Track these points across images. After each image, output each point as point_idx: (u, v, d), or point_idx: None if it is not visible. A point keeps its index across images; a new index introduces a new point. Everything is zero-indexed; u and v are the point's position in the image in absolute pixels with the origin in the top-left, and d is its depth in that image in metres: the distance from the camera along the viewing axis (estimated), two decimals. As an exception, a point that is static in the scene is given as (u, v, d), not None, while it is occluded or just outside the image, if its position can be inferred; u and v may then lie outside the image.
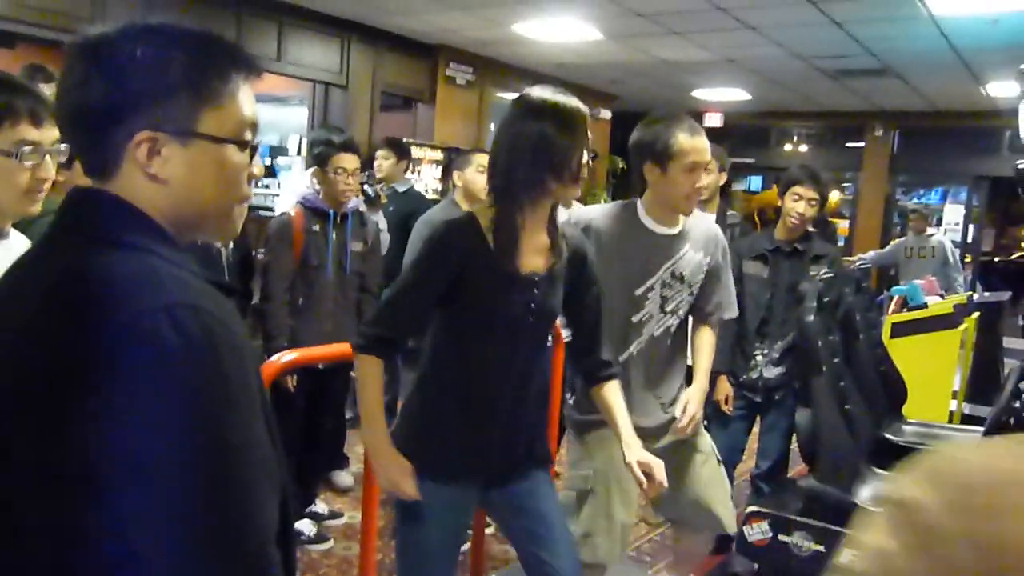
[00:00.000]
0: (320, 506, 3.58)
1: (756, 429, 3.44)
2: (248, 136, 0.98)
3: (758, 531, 2.89)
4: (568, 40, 6.81)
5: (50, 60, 6.24)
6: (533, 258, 1.80)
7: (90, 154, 0.93)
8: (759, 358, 3.21)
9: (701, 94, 9.23)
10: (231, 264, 3.22)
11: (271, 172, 7.99)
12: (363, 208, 3.51)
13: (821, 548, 2.73)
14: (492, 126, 8.53)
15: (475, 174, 3.50)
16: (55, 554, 0.81)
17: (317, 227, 3.23)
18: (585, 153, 1.74)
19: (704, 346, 2.47)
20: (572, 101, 1.75)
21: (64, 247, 0.90)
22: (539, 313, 1.82)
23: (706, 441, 2.50)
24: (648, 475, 1.87)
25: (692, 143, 2.21)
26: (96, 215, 0.91)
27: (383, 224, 3.99)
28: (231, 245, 3.22)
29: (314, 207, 3.24)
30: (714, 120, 10.52)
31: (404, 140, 6.84)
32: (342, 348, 2.17)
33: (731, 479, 3.37)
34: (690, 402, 2.33)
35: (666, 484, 1.88)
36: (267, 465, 0.89)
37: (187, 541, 0.80)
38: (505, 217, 1.74)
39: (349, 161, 3.17)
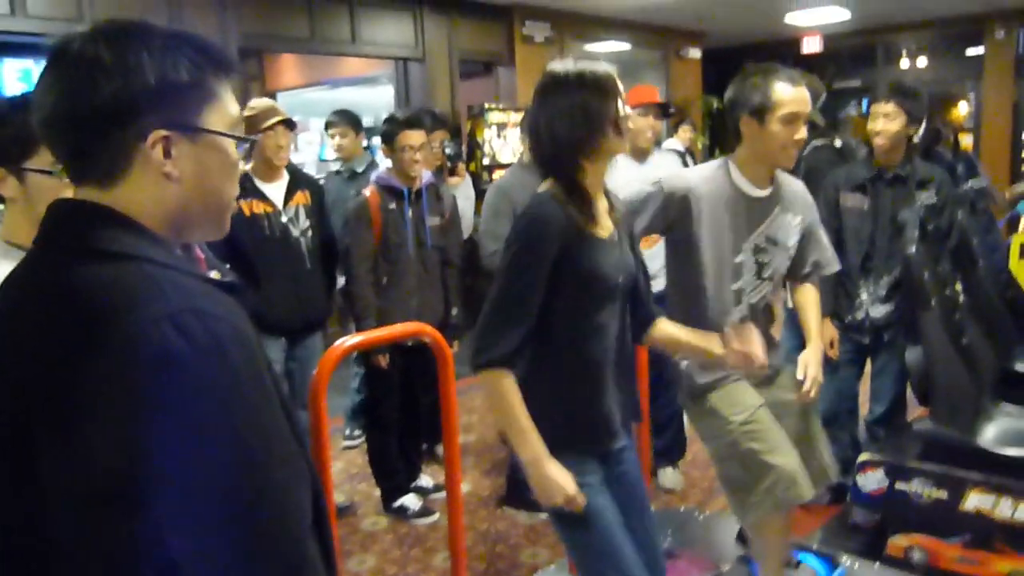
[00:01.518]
0: (425, 479, 3.63)
1: (868, 372, 3.23)
2: (240, 131, 0.98)
3: (874, 480, 2.74)
4: (642, -19, 6.53)
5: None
6: (604, 220, 1.81)
7: (93, 159, 0.90)
8: (864, 297, 3.00)
9: (795, 18, 8.69)
10: (311, 250, 3.29)
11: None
12: (436, 181, 3.48)
13: (943, 495, 2.55)
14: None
15: None
16: (102, 573, 0.82)
17: (394, 205, 3.23)
18: (621, 107, 1.75)
19: (809, 304, 2.40)
20: (597, 66, 1.76)
21: (53, 264, 0.89)
22: (625, 272, 1.83)
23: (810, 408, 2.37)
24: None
25: (792, 93, 2.13)
26: (82, 226, 0.89)
27: (470, 193, 3.95)
28: (309, 233, 3.28)
29: (388, 185, 3.25)
30: (813, 45, 9.92)
31: (484, 105, 6.80)
32: (408, 327, 2.13)
33: (845, 427, 3.20)
34: (810, 364, 2.24)
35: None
36: (292, 460, 0.89)
37: (226, 545, 0.80)
38: (573, 184, 1.76)
39: (415, 137, 3.15)
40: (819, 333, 2.35)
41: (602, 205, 1.82)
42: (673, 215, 2.21)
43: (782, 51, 10.07)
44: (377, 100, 8.98)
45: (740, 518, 2.33)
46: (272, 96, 9.95)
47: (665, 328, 1.99)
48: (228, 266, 3.28)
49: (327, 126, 4.37)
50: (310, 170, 8.65)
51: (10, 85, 7.69)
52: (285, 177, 3.29)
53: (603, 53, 9.06)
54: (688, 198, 2.19)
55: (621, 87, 1.76)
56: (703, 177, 2.27)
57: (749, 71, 2.21)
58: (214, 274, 3.13)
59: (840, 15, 8.54)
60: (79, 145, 0.90)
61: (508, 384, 1.70)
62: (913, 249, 2.59)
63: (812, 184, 3.23)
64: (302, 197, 3.30)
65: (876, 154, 2.97)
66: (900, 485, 2.66)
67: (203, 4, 5.53)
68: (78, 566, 0.82)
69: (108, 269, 0.85)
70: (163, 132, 0.89)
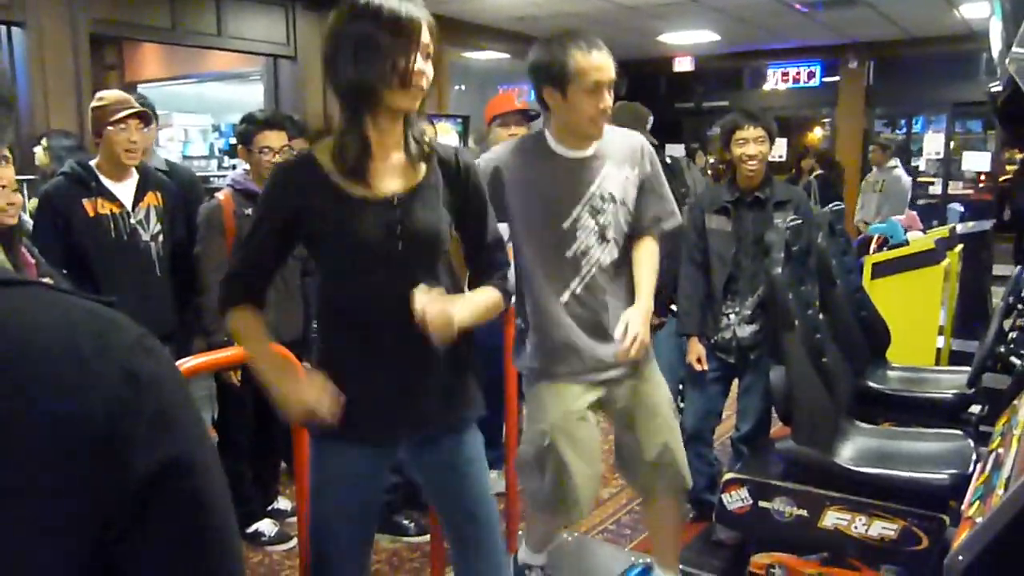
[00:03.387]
0: (283, 502, 3.42)
1: (735, 391, 3.28)
2: None
3: (737, 498, 2.75)
4: (522, -8, 6.53)
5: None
6: (390, 180, 1.65)
7: None
8: (731, 317, 3.03)
9: (669, 38, 8.96)
10: (161, 257, 3.03)
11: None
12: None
13: (804, 513, 2.58)
14: (455, 87, 8.27)
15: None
16: None
17: (249, 211, 3.01)
18: (419, 58, 1.55)
19: (644, 259, 2.24)
20: (400, 3, 1.55)
21: None
22: (407, 236, 1.64)
23: (661, 389, 2.34)
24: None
25: (590, 60, 2.02)
26: None
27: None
28: (160, 238, 3.02)
29: (244, 189, 3.03)
30: (685, 64, 10.25)
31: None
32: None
33: (709, 443, 3.23)
34: (632, 321, 2.06)
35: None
36: None
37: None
38: (345, 138, 1.61)
39: (274, 139, 2.96)
40: (649, 291, 2.18)
41: (392, 162, 1.65)
42: (491, 195, 2.09)
43: (655, 69, 10.37)
44: (247, 97, 8.60)
45: (529, 504, 2.36)
46: (132, 89, 9.37)
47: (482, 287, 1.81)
48: (63, 271, 3.00)
49: None
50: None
51: None
52: (135, 176, 3.01)
53: (482, 61, 9.04)
54: (499, 170, 2.13)
55: (428, 37, 1.56)
56: (510, 148, 2.22)
57: (545, 39, 2.11)
58: (46, 281, 2.84)
59: (710, 37, 8.86)
60: None
61: (239, 316, 1.67)
62: (778, 270, 2.62)
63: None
64: (153, 198, 3.03)
65: (743, 177, 3.02)
66: (763, 503, 2.68)
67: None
68: None
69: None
70: None
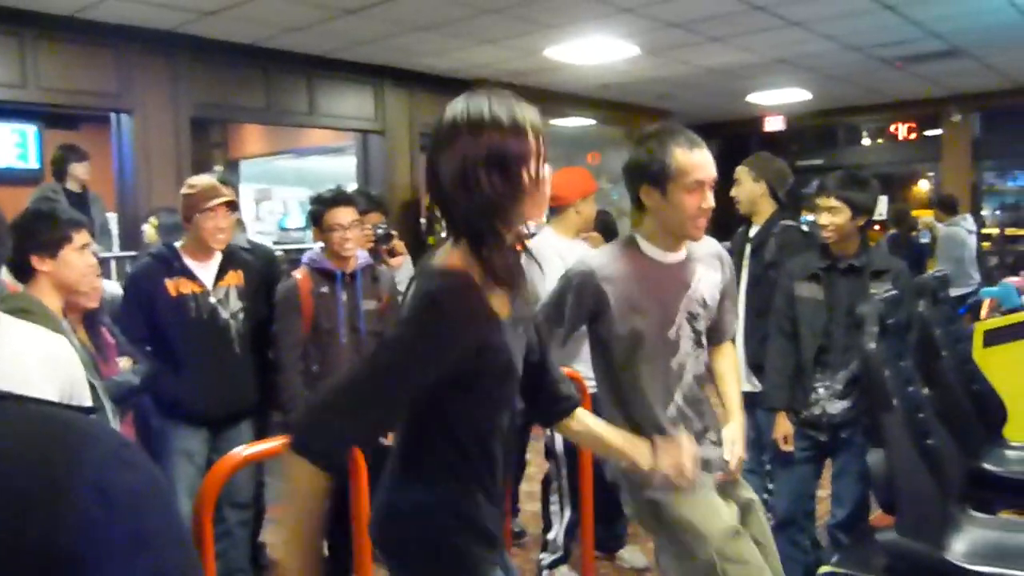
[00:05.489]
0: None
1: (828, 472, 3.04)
2: None
3: (837, 594, 2.51)
4: (605, 60, 6.55)
5: (79, 139, 6.37)
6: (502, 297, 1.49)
7: None
8: (820, 391, 2.83)
9: (758, 98, 8.80)
10: (241, 335, 3.07)
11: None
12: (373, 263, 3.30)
13: (911, 615, 2.33)
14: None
15: None
16: None
17: (326, 288, 3.04)
18: (541, 162, 1.43)
19: (730, 373, 2.26)
20: (514, 106, 1.41)
21: None
22: (523, 355, 1.55)
23: (749, 491, 2.22)
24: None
25: (691, 158, 1.95)
26: None
27: (405, 274, 3.76)
28: (241, 316, 3.07)
29: (320, 268, 3.06)
30: (775, 124, 10.05)
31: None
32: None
33: (803, 529, 2.99)
34: (736, 442, 2.12)
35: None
36: None
37: None
38: (491, 255, 1.40)
39: (343, 215, 2.98)
40: (740, 406, 2.22)
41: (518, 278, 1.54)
42: (589, 306, 2.04)
43: (745, 129, 10.20)
44: (341, 170, 8.90)
45: None
46: (235, 164, 9.87)
47: (586, 421, 1.71)
48: (148, 348, 3.08)
49: None
50: (268, 240, 8.49)
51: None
52: (218, 256, 3.09)
53: (568, 128, 9.09)
54: (599, 285, 2.02)
55: (543, 139, 1.43)
56: (609, 258, 2.10)
57: (644, 135, 2.04)
58: (125, 361, 2.92)
59: (802, 95, 8.65)
60: None
61: (312, 484, 1.31)
62: (873, 345, 2.43)
63: (779, 265, 3.13)
64: (235, 277, 3.10)
65: (835, 245, 2.85)
66: (865, 601, 2.44)
67: (155, 73, 5.42)
68: None
69: None
70: None
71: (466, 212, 1.39)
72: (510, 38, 5.89)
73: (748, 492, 2.21)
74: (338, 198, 3.03)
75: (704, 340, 2.13)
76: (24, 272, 2.26)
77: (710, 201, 1.99)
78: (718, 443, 2.16)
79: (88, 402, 1.81)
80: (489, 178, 1.36)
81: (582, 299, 2.05)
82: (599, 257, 2.15)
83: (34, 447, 0.63)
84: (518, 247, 1.49)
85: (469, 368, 1.40)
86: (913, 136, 10.22)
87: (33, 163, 7.94)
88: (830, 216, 2.79)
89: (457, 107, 1.39)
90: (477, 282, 1.40)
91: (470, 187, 1.37)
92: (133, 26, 5.14)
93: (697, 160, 1.95)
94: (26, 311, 2.14)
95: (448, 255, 1.43)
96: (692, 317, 2.07)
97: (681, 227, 2.01)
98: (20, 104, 5.22)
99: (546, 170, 1.45)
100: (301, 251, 7.45)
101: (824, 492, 3.16)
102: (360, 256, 3.11)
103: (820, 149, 10.66)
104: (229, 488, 3.06)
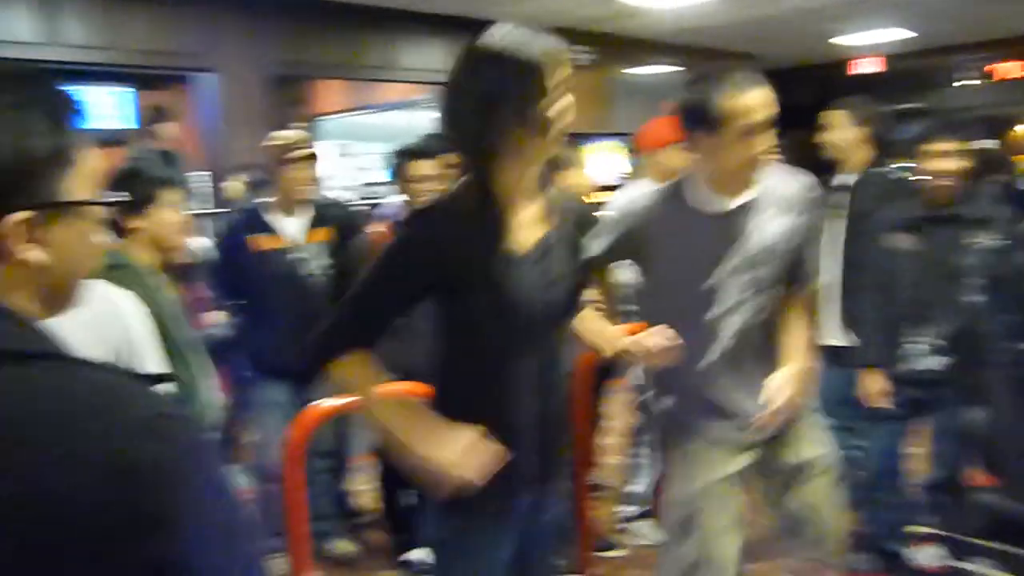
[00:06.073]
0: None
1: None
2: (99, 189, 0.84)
3: (931, 555, 2.43)
4: (683, 3, 6.32)
5: (168, 99, 6.55)
6: (526, 231, 1.51)
7: None
8: (916, 346, 2.70)
9: (847, 40, 8.38)
10: (327, 289, 3.12)
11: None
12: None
13: (1012, 580, 2.24)
14: (620, 106, 8.15)
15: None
16: None
17: (406, 243, 3.05)
18: (558, 100, 1.42)
19: (798, 321, 2.06)
20: (530, 41, 1.41)
21: None
22: (553, 291, 1.52)
23: (814, 450, 2.09)
24: None
25: (744, 101, 1.83)
26: None
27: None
28: (326, 271, 3.11)
29: (399, 221, 3.07)
30: (866, 66, 9.57)
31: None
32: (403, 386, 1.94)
33: (893, 487, 2.89)
34: (779, 388, 1.89)
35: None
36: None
37: None
38: (484, 190, 1.47)
39: (423, 167, 2.96)
40: (804, 351, 2.03)
41: (528, 212, 1.53)
42: (632, 243, 2.01)
43: (833, 73, 9.74)
44: (421, 124, 8.91)
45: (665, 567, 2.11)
46: (316, 121, 10.00)
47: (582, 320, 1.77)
48: (240, 303, 3.17)
49: None
50: (349, 195, 8.61)
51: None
52: (304, 212, 3.14)
53: (650, 75, 8.86)
54: (643, 224, 1.99)
55: (562, 71, 1.42)
56: (654, 203, 2.04)
57: (692, 78, 1.95)
58: (218, 315, 3.01)
59: (902, 34, 8.19)
60: None
61: (356, 366, 1.48)
62: (975, 298, 2.30)
63: (862, 217, 2.97)
64: (322, 233, 3.14)
65: (935, 193, 2.69)
66: (962, 563, 2.36)
67: (238, 32, 5.50)
68: None
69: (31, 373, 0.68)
70: (24, 214, 0.73)
71: (468, 147, 1.46)
72: (588, -17, 5.74)
73: (811, 451, 2.07)
74: (417, 149, 3.01)
75: (765, 290, 1.99)
76: (118, 229, 2.34)
77: (764, 144, 1.88)
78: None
79: (149, 365, 1.83)
80: (490, 115, 1.40)
81: (627, 236, 2.01)
82: (644, 200, 2.09)
83: (60, 413, 0.64)
84: (530, 183, 1.51)
85: (458, 301, 1.46)
86: (1021, 75, 9.57)
87: (129, 124, 8.21)
88: (943, 161, 2.63)
89: (468, 43, 1.45)
90: (454, 213, 1.47)
91: (472, 122, 1.43)
92: (215, -15, 5.23)
93: (748, 103, 1.83)
94: (121, 266, 2.22)
95: (458, 188, 1.51)
96: (738, 270, 1.96)
97: (734, 172, 1.92)
98: (110, 66, 5.38)
99: (560, 106, 1.44)
100: (381, 206, 7.57)
101: (918, 450, 3.05)
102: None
103: (916, 91, 10.11)
104: (313, 438, 3.16)
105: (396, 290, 1.49)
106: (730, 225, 1.96)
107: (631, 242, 2.01)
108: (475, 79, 1.42)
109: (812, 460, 2.07)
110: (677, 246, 1.97)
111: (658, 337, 1.67)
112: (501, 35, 1.42)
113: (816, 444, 2.09)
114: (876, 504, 2.83)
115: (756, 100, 1.84)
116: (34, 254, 0.75)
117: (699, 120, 1.88)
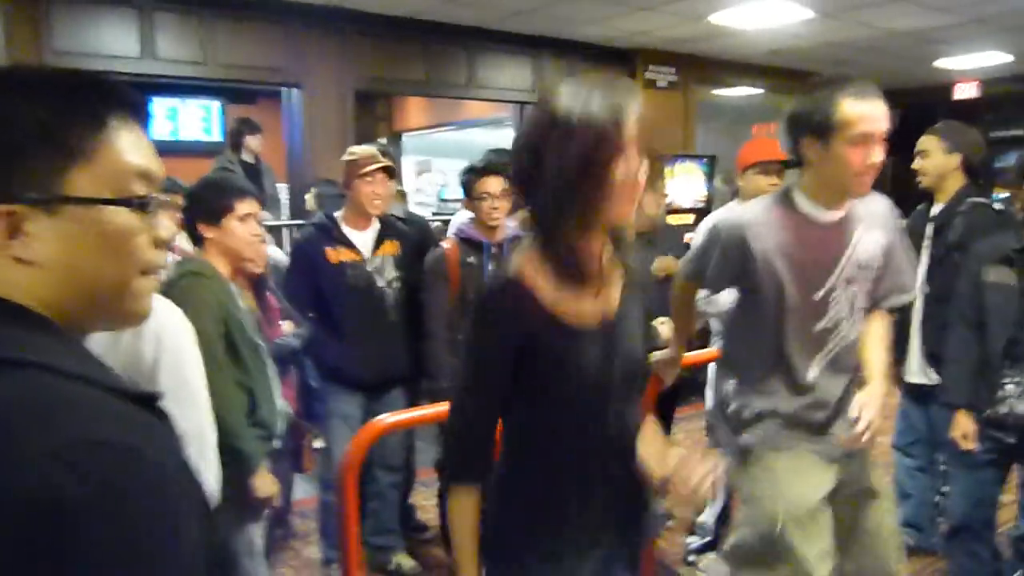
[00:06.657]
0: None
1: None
2: (138, 189, 0.78)
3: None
4: (775, 24, 6.17)
5: (255, 113, 6.75)
6: (594, 303, 1.43)
7: None
8: (1009, 388, 2.53)
9: (947, 63, 8.03)
10: (397, 303, 3.14)
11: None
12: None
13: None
14: (700, 128, 8.02)
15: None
16: None
17: (473, 259, 3.05)
18: (630, 162, 1.30)
19: (876, 336, 2.04)
20: (602, 100, 1.28)
21: None
22: (623, 363, 1.45)
23: (880, 481, 2.07)
24: None
25: (860, 109, 1.80)
26: None
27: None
28: (396, 284, 3.13)
29: (468, 238, 3.07)
30: (967, 91, 9.17)
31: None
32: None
33: (983, 539, 2.71)
34: (867, 406, 1.84)
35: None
36: None
37: None
38: (558, 258, 1.38)
39: (492, 184, 2.96)
40: (882, 373, 1.98)
41: (600, 281, 1.43)
42: (735, 262, 1.93)
43: (931, 98, 9.37)
44: (501, 142, 8.96)
45: None
46: (398, 137, 10.17)
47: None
48: (311, 315, 3.21)
49: None
50: (427, 211, 8.71)
51: (160, 122, 8.31)
52: (375, 226, 3.18)
53: (733, 98, 8.70)
54: (746, 240, 1.91)
55: (634, 128, 1.28)
56: (760, 212, 1.97)
57: (811, 83, 1.91)
58: (288, 325, 3.05)
59: (1001, 58, 7.82)
60: None
61: (466, 504, 1.44)
62: (1076, 339, 2.14)
63: (966, 247, 2.82)
64: (391, 247, 3.18)
65: (1027, 224, 2.53)
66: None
67: (322, 48, 5.64)
68: None
69: None
70: (3, 208, 0.70)
71: (537, 209, 1.37)
72: (671, 3, 5.65)
73: (878, 481, 2.06)
74: (488, 167, 3.01)
75: (859, 305, 1.98)
76: (195, 237, 2.39)
77: (878, 156, 1.83)
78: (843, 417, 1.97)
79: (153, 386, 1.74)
80: (560, 177, 1.29)
81: (728, 254, 1.95)
82: (749, 211, 2.03)
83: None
84: (604, 249, 1.42)
85: (529, 374, 1.39)
86: None
87: (216, 136, 8.51)
88: None
89: (542, 99, 1.34)
90: (529, 285, 1.37)
91: (541, 184, 1.32)
92: (302, 2, 5.35)
93: (865, 111, 1.81)
94: (197, 274, 2.27)
95: (522, 253, 1.41)
96: (847, 281, 1.94)
97: (843, 183, 1.87)
98: (201, 80, 5.56)
99: (639, 166, 1.32)
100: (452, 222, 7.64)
101: (1007, 498, 2.85)
102: (508, 226, 3.09)
103: (1018, 118, 9.62)
104: (382, 451, 3.17)
105: (494, 367, 1.40)
106: (841, 234, 1.94)
107: (736, 259, 1.95)
108: (550, 138, 1.30)
109: (875, 488, 2.05)
110: (795, 251, 1.93)
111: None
112: (578, 93, 1.29)
113: (880, 470, 2.08)
114: (963, 554, 2.66)
115: (874, 110, 1.83)
116: (22, 251, 0.71)
117: (813, 125, 1.85)
